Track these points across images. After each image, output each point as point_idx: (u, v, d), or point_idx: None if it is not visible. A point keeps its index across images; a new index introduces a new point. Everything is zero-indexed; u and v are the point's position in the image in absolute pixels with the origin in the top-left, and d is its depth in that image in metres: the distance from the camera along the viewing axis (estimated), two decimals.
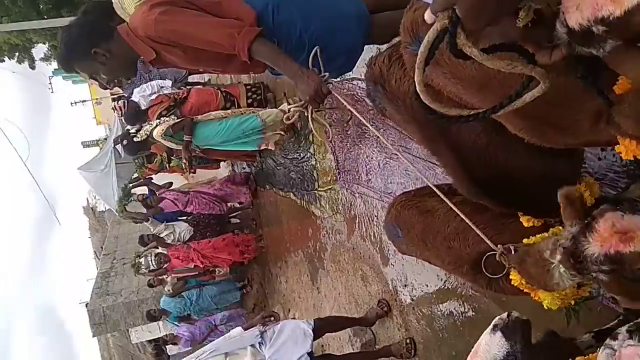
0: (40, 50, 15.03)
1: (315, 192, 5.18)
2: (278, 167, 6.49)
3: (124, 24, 2.10)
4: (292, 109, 2.05)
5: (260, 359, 3.52)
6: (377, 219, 4.00)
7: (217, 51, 1.98)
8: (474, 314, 2.91)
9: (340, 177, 4.45)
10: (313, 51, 1.89)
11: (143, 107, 6.00)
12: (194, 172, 6.87)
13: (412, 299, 3.60)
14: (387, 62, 1.45)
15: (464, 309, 2.98)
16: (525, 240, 1.39)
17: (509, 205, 1.46)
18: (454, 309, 3.07)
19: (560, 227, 1.35)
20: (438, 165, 1.98)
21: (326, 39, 2.02)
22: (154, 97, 5.98)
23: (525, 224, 1.47)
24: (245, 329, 3.70)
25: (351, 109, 1.79)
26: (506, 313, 1.32)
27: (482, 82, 0.87)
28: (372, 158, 3.80)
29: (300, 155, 5.63)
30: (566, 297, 1.41)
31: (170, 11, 1.94)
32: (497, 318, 1.34)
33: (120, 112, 6.39)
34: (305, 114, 2.00)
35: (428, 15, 0.83)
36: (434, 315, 3.29)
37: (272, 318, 3.91)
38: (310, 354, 3.52)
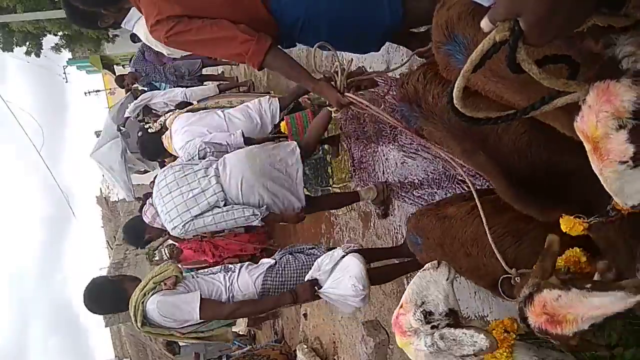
0: (50, 40, 14.95)
1: (330, 188, 5.14)
2: None
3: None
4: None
5: None
6: (393, 216, 3.94)
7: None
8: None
9: (355, 175, 4.39)
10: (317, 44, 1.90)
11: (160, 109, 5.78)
12: None
13: None
14: (422, 80, 1.41)
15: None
16: (568, 252, 1.32)
17: (557, 205, 1.34)
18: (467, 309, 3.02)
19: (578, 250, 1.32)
20: (482, 177, 1.95)
21: (350, 50, 1.99)
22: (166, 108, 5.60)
23: (564, 227, 1.32)
24: None
25: (382, 113, 1.76)
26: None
27: (524, 80, 0.82)
28: (389, 156, 3.73)
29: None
30: None
31: (178, 30, 1.88)
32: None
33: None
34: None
35: (485, 23, 0.76)
36: None
37: None
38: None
